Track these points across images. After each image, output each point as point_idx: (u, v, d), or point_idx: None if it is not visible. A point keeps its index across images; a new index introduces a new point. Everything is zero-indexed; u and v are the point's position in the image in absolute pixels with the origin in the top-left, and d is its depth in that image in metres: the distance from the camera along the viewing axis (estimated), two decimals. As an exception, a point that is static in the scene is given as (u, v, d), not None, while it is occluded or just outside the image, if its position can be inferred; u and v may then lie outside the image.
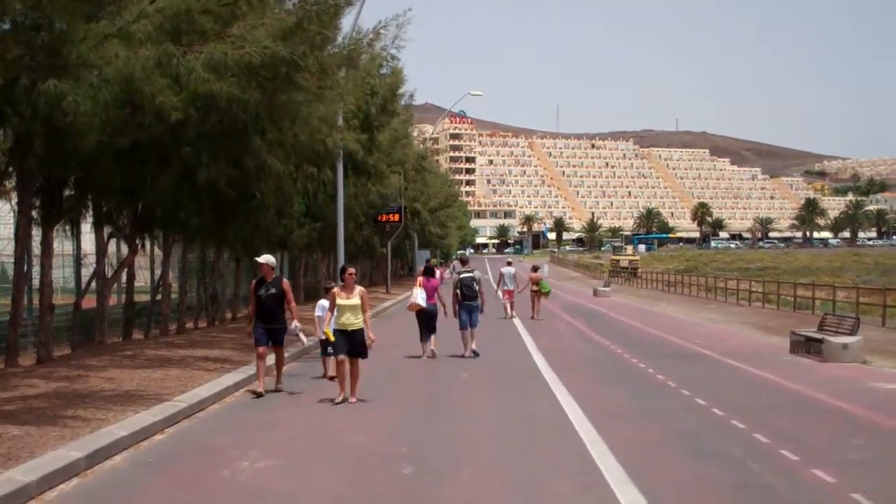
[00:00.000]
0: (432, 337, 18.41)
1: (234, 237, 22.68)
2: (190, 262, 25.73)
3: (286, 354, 14.67)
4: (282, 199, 22.32)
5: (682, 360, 18.66)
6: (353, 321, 12.54)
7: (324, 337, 13.37)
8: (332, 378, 13.57)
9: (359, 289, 12.67)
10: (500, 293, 31.35)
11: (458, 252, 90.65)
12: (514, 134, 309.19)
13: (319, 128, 19.37)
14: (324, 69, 16.29)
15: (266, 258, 13.50)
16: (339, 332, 12.58)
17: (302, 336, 13.93)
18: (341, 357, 12.54)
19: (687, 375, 15.90)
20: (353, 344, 12.53)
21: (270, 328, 13.31)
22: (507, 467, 8.66)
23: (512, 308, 30.41)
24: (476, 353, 18.53)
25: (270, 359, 13.94)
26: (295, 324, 13.40)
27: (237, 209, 20.05)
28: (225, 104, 14.40)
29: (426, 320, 18.34)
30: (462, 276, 19.20)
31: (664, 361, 18.13)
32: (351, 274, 12.76)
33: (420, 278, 18.71)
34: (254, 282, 13.59)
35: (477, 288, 19.04)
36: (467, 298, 18.89)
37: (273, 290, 13.27)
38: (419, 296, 18.09)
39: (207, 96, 14.00)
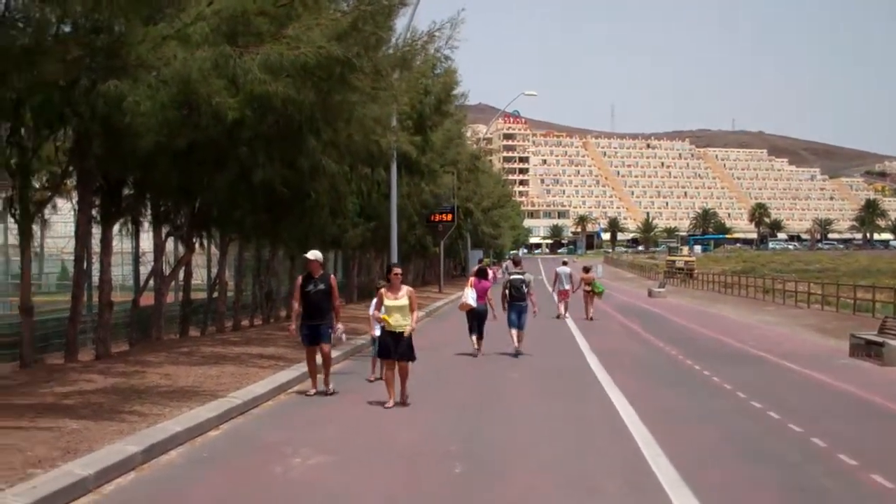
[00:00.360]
0: (481, 340, 18.81)
1: (289, 236, 22.91)
2: (245, 261, 26.03)
3: (334, 354, 14.61)
4: (336, 199, 22.47)
5: (739, 363, 18.40)
6: (402, 322, 12.16)
7: (378, 332, 12.99)
8: (379, 379, 13.58)
9: (406, 288, 12.35)
10: (554, 294, 31.21)
11: (511, 252, 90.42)
12: (568, 134, 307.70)
13: (373, 128, 19.44)
14: (378, 70, 16.34)
15: (314, 254, 13.02)
16: (387, 335, 12.25)
17: (343, 337, 13.70)
18: (389, 361, 12.25)
19: (743, 378, 15.68)
20: (401, 347, 12.17)
21: (316, 325, 12.90)
22: (559, 467, 8.62)
23: (566, 309, 30.23)
24: (521, 353, 18.66)
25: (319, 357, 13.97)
26: (339, 326, 13.02)
27: (292, 209, 20.23)
28: (280, 105, 14.49)
29: (476, 319, 18.77)
30: (512, 277, 19.48)
31: (720, 364, 17.89)
32: (397, 274, 12.39)
33: (472, 279, 19.20)
34: (300, 278, 13.15)
35: (525, 290, 19.16)
36: (515, 299, 19.11)
37: (321, 286, 12.82)
38: (470, 296, 18.55)
39: (263, 97, 14.10)
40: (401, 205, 29.80)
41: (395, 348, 12.17)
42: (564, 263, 31.48)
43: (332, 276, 13.34)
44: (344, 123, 17.23)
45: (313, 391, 13.07)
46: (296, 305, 13.10)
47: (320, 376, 13.31)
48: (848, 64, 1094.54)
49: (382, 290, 12.45)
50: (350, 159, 21.18)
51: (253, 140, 16.36)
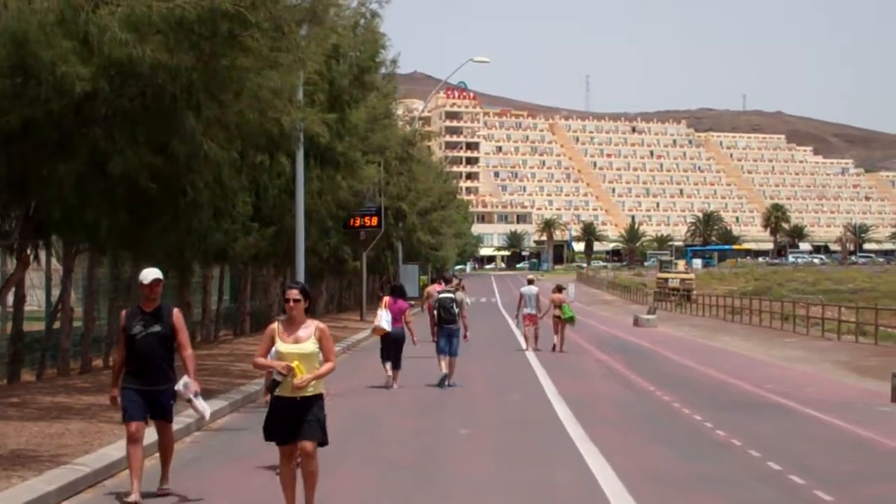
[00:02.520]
0: (396, 371, 21.13)
1: (158, 246, 22.58)
2: (98, 280, 25.65)
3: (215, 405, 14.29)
4: (222, 196, 22.24)
5: (751, 412, 18.70)
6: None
7: (270, 396, 10.08)
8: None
9: (315, 325, 9.70)
10: (517, 320, 31.95)
11: (457, 268, 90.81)
12: (530, 113, 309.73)
13: (272, 103, 19.31)
14: (279, 26, 16.30)
15: (153, 272, 10.86)
16: (280, 405, 9.59)
17: (199, 403, 10.94)
18: (285, 448, 9.66)
19: (756, 431, 15.91)
20: (299, 423, 9.47)
21: (150, 391, 10.61)
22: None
23: (536, 339, 31.09)
24: (450, 385, 21.15)
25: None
26: (185, 381, 10.66)
27: (162, 209, 19.99)
28: (148, 72, 14.37)
29: (392, 346, 20.90)
30: (441, 295, 21.85)
31: (726, 413, 18.16)
32: (290, 300, 9.72)
33: (386, 298, 21.28)
34: (124, 313, 11.04)
35: (456, 310, 21.66)
36: (445, 321, 21.52)
37: (157, 328, 10.60)
38: (384, 318, 20.55)
39: (125, 62, 13.96)
40: (310, 205, 29.63)
41: (290, 426, 9.57)
42: (531, 282, 32.37)
43: (176, 310, 11.06)
44: (233, 96, 17.13)
45: (132, 498, 10.24)
46: (116, 358, 11.19)
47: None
48: (889, 27, 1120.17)
49: (275, 326, 9.90)
50: (241, 144, 21.02)
51: (110, 118, 16.16)
